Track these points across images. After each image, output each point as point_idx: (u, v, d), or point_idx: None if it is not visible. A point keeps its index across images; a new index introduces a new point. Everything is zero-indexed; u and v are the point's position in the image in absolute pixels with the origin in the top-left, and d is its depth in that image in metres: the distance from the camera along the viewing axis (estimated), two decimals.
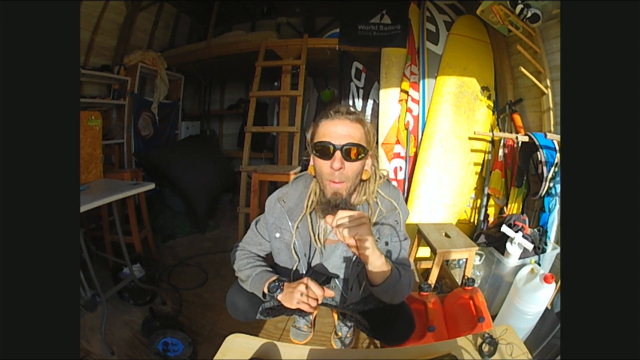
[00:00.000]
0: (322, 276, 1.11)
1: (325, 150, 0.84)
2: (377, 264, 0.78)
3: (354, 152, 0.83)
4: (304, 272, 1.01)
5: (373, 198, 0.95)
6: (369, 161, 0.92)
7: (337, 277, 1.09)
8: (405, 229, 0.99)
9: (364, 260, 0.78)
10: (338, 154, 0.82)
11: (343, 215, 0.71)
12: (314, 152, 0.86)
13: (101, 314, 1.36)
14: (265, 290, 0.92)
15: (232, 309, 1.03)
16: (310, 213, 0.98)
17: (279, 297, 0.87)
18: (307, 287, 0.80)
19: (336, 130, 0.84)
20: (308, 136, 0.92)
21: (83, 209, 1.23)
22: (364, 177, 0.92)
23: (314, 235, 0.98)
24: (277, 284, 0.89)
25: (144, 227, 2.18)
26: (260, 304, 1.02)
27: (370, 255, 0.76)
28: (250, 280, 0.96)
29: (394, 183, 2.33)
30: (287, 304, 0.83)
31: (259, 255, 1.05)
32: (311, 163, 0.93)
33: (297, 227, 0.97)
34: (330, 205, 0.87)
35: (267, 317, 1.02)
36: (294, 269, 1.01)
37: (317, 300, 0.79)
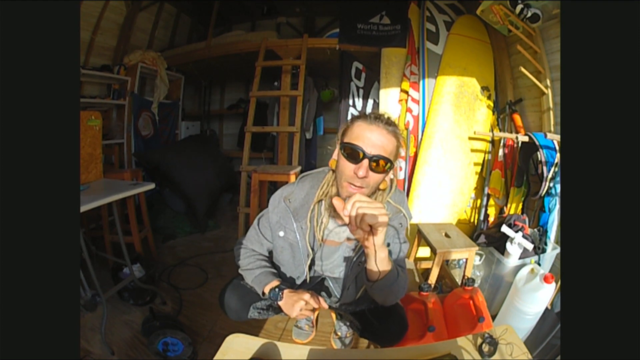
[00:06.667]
0: (318, 277, 1.11)
1: (354, 154, 0.81)
2: (381, 256, 0.78)
3: (382, 164, 0.81)
4: (305, 271, 1.02)
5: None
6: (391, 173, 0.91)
7: (334, 277, 1.10)
8: (405, 232, 1.00)
9: (369, 252, 0.76)
10: (366, 162, 0.80)
11: (361, 199, 0.67)
12: (342, 151, 0.83)
13: (101, 314, 1.36)
14: (266, 291, 0.95)
15: (224, 308, 1.07)
16: (319, 202, 0.97)
17: (280, 303, 0.91)
18: (306, 302, 0.85)
19: (371, 137, 0.81)
20: (340, 132, 0.89)
21: (83, 209, 1.23)
22: (382, 187, 0.91)
23: (316, 226, 0.97)
24: (277, 291, 0.92)
25: (144, 227, 2.18)
26: (251, 304, 1.05)
27: (377, 248, 0.75)
28: (252, 280, 0.99)
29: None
30: (287, 313, 0.89)
31: (261, 254, 1.07)
32: (334, 157, 0.92)
33: (302, 227, 0.97)
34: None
35: (257, 317, 1.06)
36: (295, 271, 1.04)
37: (314, 310, 0.86)
